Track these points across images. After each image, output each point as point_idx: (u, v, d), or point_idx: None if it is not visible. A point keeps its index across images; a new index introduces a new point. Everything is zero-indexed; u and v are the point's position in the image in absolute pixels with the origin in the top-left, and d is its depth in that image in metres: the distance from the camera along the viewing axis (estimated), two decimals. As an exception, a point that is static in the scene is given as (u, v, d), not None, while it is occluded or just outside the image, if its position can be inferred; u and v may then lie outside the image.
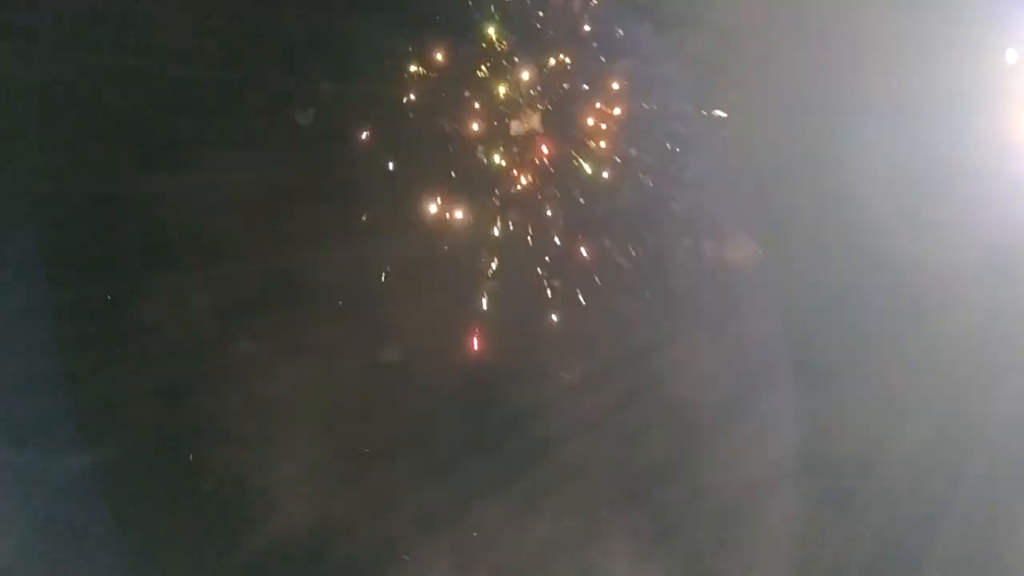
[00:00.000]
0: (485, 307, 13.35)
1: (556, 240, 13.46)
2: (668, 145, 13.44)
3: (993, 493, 12.54)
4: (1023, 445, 12.37)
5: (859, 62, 12.40)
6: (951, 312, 12.56)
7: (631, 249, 13.44)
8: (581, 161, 13.42)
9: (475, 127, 13.32)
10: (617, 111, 13.40)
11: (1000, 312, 12.53)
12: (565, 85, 13.35)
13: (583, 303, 13.49)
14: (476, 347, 13.27)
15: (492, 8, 13.11)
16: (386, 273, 13.32)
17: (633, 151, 13.38)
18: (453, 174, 13.36)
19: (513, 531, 13.08)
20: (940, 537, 12.66)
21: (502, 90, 13.18)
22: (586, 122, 13.44)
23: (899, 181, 12.57)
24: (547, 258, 13.49)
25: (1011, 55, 12.20)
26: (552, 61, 13.23)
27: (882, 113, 12.41)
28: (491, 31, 13.13)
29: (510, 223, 13.42)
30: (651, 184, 13.46)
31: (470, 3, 13.18)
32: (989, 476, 12.49)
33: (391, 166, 13.29)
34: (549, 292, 13.44)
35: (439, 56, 13.17)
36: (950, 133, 12.18)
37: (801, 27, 12.31)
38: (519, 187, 13.48)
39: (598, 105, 13.41)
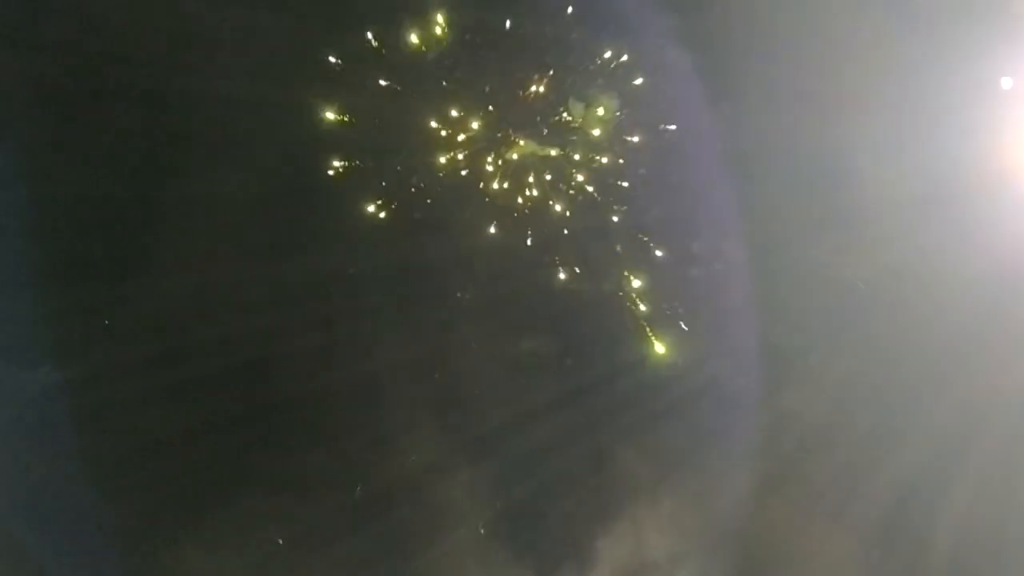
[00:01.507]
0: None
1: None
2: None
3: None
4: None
5: (858, 90, 12.63)
6: (948, 330, 12.76)
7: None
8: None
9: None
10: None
11: (995, 331, 12.71)
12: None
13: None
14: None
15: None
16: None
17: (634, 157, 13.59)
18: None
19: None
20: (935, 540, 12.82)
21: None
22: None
23: (898, 203, 12.81)
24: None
25: (1006, 82, 12.44)
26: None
27: (880, 136, 12.62)
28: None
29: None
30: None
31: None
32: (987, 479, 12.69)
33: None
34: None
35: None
36: (948, 158, 12.39)
37: (801, 54, 12.57)
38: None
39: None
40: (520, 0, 13.00)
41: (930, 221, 12.56)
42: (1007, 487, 12.89)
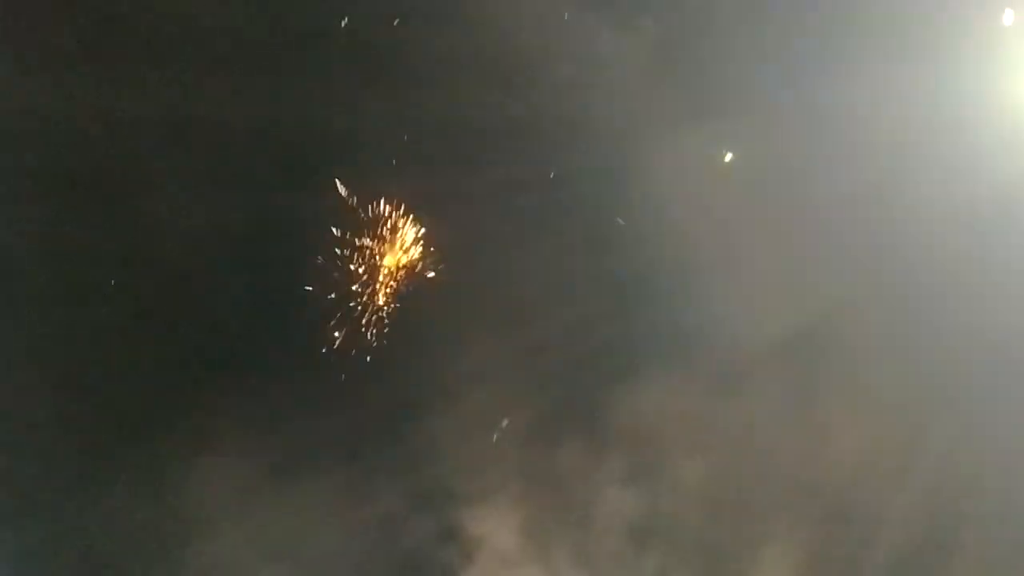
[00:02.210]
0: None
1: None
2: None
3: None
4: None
5: (853, 25, 12.59)
6: (948, 266, 12.73)
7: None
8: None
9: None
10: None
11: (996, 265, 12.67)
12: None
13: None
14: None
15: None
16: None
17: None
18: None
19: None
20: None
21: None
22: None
23: (895, 141, 12.78)
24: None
25: (1008, 16, 12.34)
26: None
27: (877, 73, 12.55)
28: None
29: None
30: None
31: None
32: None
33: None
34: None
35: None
36: (947, 93, 12.33)
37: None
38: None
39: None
40: None
41: (929, 159, 12.54)
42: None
